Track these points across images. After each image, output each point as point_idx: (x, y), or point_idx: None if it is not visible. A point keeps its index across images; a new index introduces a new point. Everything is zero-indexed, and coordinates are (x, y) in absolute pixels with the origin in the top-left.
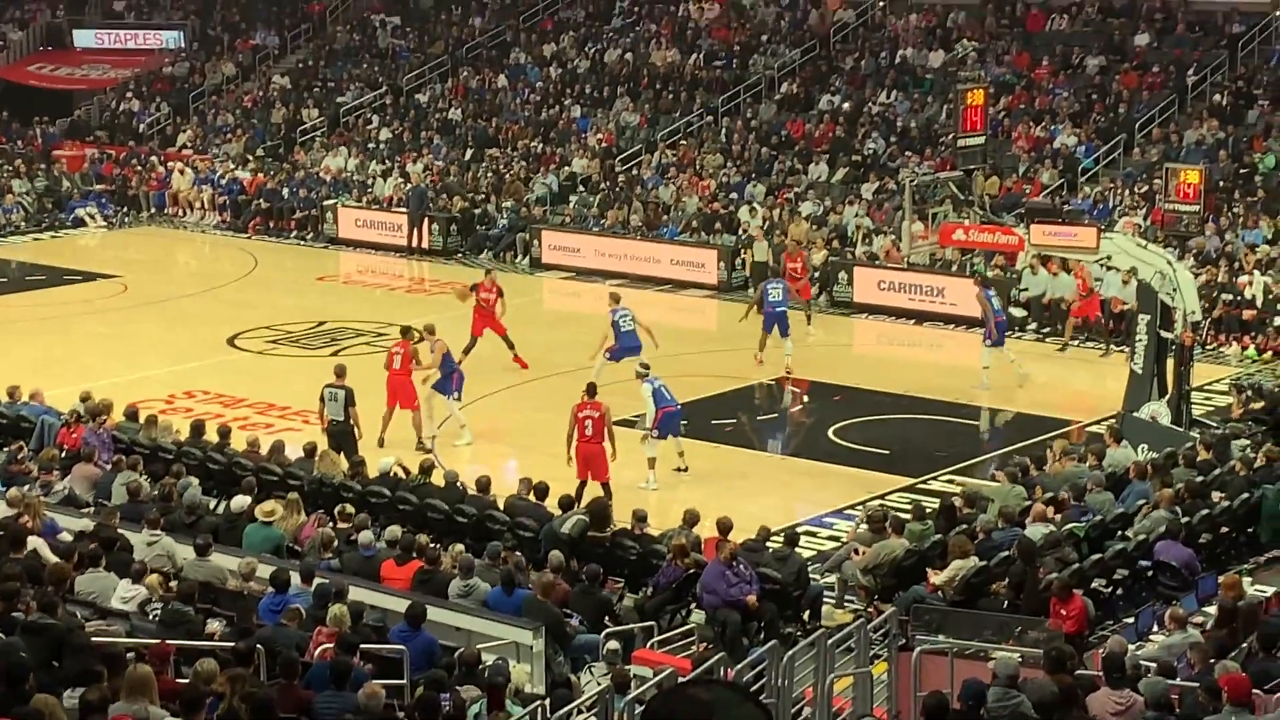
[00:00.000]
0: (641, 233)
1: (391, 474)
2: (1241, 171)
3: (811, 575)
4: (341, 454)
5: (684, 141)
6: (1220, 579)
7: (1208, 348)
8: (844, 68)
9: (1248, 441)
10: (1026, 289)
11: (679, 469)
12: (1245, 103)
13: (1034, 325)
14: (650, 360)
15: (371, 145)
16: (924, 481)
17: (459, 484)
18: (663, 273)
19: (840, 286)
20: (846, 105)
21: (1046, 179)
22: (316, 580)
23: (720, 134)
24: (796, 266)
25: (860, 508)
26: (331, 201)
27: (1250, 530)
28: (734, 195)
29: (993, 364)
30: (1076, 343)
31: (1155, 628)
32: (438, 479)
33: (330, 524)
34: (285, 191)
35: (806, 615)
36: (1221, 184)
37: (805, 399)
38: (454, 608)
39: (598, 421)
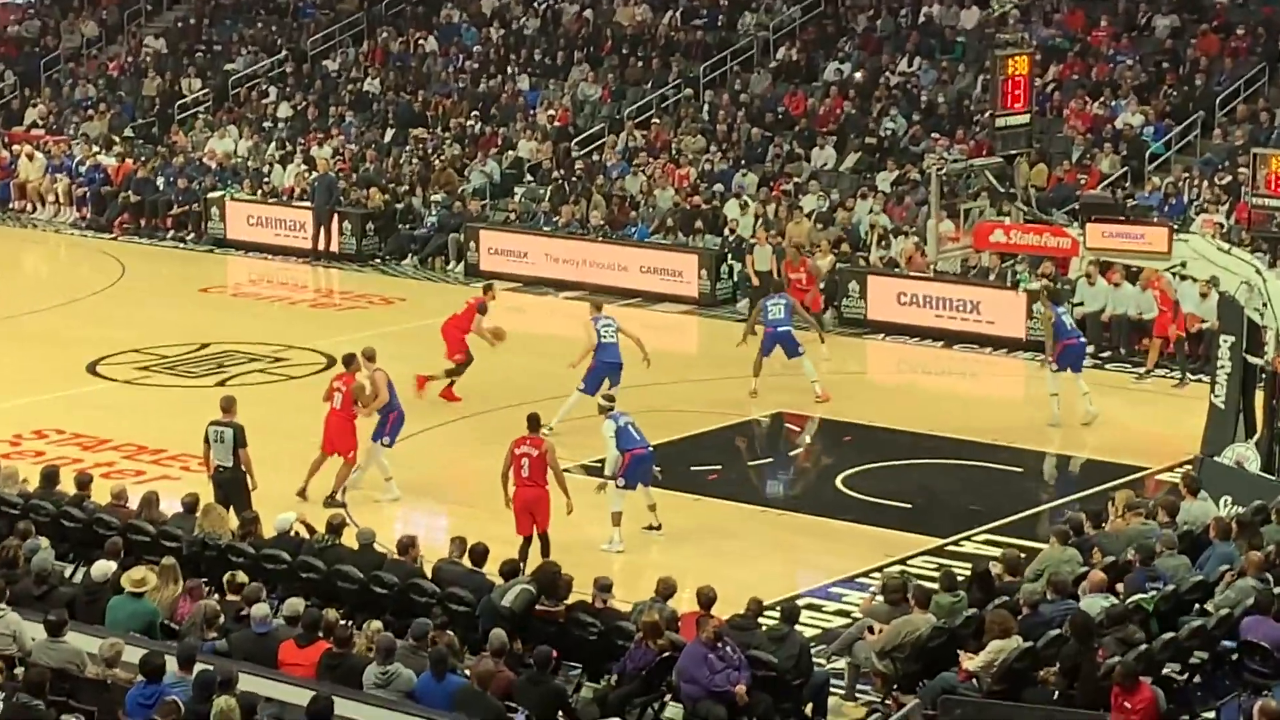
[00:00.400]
0: (604, 233)
1: (292, 533)
2: None
3: (815, 659)
4: (231, 508)
5: (657, 120)
6: None
7: None
8: (855, 28)
9: None
10: (1082, 303)
11: (651, 526)
12: None
13: (1091, 348)
14: (624, 386)
15: (268, 124)
16: (955, 543)
17: (376, 546)
18: (631, 283)
19: (851, 300)
20: (858, 75)
21: (1106, 167)
22: (198, 666)
23: (702, 111)
24: (800, 277)
25: (876, 575)
26: (218, 194)
27: None
28: (719, 187)
29: (1063, 392)
30: (1162, 371)
31: None
32: (350, 540)
33: (215, 595)
34: (160, 181)
35: (809, 709)
36: None
37: (807, 439)
38: (370, 700)
39: (536, 460)
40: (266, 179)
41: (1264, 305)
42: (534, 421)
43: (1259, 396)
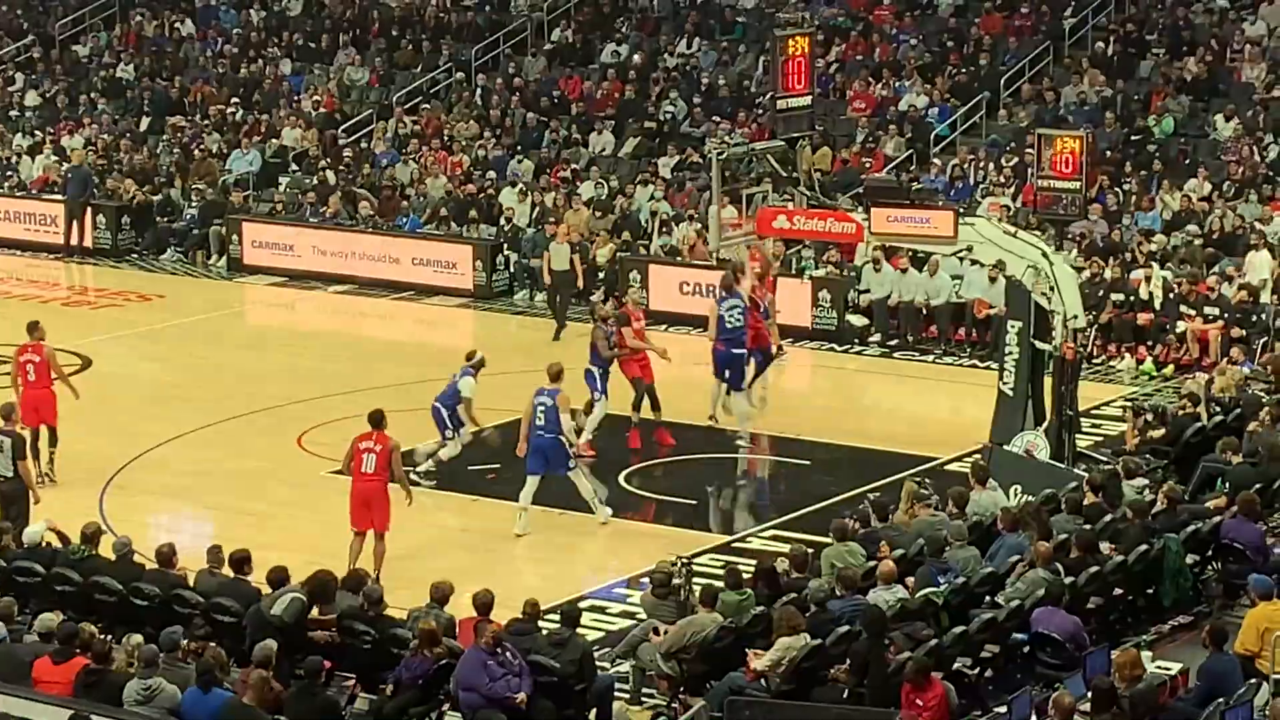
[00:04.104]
0: (374, 224)
1: (44, 544)
2: (1133, 138)
3: (599, 663)
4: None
5: (427, 105)
6: (1114, 654)
7: (1095, 361)
8: (633, 9)
9: (1145, 480)
10: (868, 290)
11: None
12: (1136, 51)
13: (878, 336)
14: (398, 383)
15: (14, 113)
16: (742, 539)
17: (131, 554)
18: (403, 275)
19: (631, 290)
20: (637, 57)
21: (891, 150)
22: None
23: (475, 95)
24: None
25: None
26: None
27: (1150, 591)
28: (493, 174)
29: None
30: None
31: (1034, 718)
32: (106, 550)
33: None
34: None
35: (593, 715)
36: (1109, 154)
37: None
38: (131, 718)
39: (40, 365)
40: (13, 171)
41: (1051, 289)
42: (32, 327)
43: (1048, 383)
